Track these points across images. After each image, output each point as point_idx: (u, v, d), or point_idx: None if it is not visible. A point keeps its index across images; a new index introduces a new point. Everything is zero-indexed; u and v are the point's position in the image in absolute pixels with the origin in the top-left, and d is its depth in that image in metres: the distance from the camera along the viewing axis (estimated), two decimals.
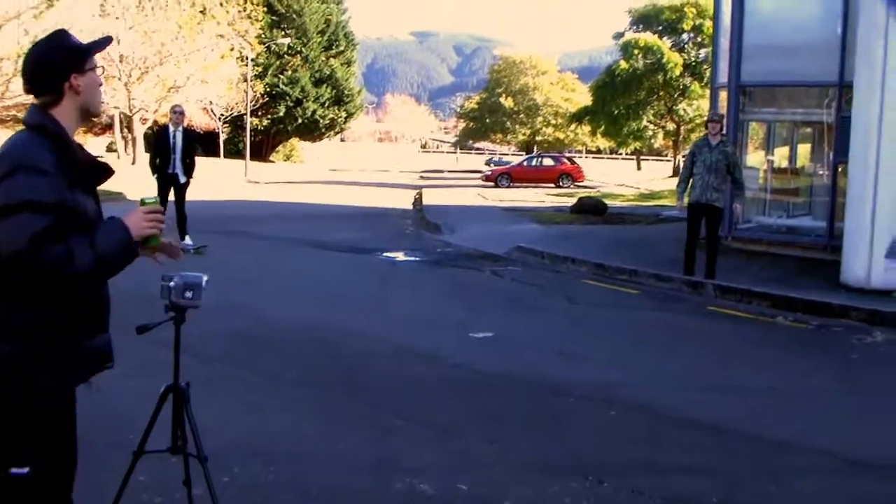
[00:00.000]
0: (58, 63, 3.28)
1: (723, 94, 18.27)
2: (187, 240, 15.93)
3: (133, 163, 44.81)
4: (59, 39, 3.37)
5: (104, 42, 3.52)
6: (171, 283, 3.97)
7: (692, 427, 6.91)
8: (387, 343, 9.43)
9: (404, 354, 9.00)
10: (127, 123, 49.62)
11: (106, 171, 3.50)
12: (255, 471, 5.62)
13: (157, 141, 16.28)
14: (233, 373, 8.06)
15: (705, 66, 50.72)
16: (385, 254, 17.13)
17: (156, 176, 15.94)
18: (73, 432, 3.43)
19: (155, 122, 47.70)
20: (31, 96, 3.34)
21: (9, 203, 3.02)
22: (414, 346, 9.31)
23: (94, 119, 3.47)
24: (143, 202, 3.41)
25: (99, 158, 3.57)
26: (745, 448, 6.49)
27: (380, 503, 5.35)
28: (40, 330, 3.17)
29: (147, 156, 17.04)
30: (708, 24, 47.72)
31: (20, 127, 3.38)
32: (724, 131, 13.84)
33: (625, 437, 6.65)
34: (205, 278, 4.02)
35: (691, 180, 13.46)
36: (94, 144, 71.29)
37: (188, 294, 3.97)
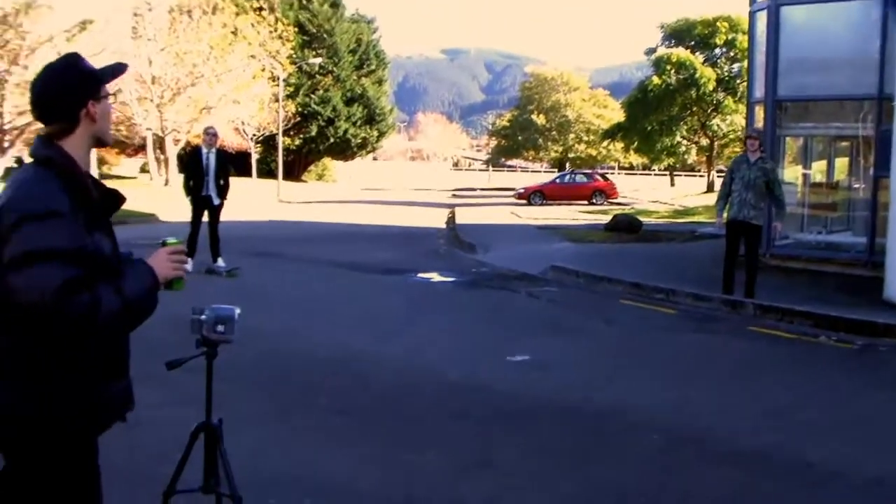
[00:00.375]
0: (76, 88, 3.08)
1: (759, 110, 18.07)
2: (220, 262, 15.88)
3: (166, 184, 45.06)
4: (75, 63, 3.16)
5: (119, 69, 3.32)
6: (203, 317, 3.80)
7: (737, 455, 6.69)
8: (421, 368, 9.28)
9: (439, 380, 8.82)
10: (159, 144, 49.84)
11: (118, 200, 3.31)
12: (289, 502, 5.51)
13: (190, 163, 16.23)
14: (264, 401, 7.93)
15: (739, 81, 50.45)
16: (419, 274, 17.00)
17: (189, 198, 15.87)
18: (96, 480, 3.28)
19: (188, 142, 47.93)
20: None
21: (24, 253, 2.82)
22: (449, 372, 9.13)
23: (106, 145, 3.32)
24: (165, 243, 3.25)
25: (110, 187, 3.42)
26: (794, 477, 6.27)
27: None
28: (61, 377, 3.01)
29: (181, 177, 16.95)
30: (741, 38, 47.53)
31: None
32: (762, 148, 13.61)
33: (668, 466, 6.44)
34: (237, 311, 3.85)
35: (730, 197, 13.24)
36: (127, 165, 71.90)
37: (220, 328, 3.81)
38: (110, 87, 3.26)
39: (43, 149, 3.06)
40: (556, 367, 9.60)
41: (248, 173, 61.46)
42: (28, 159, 3.14)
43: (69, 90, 3.08)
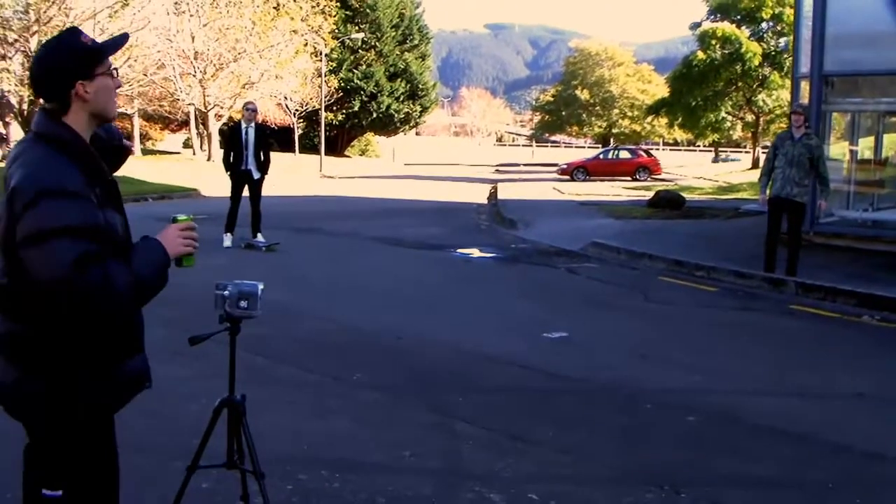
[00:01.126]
0: (63, 69, 3.05)
1: (804, 85, 17.79)
2: (259, 237, 15.92)
3: (208, 159, 45.35)
4: (68, 40, 3.12)
5: (118, 42, 3.29)
6: (226, 293, 3.77)
7: (775, 435, 6.59)
8: (458, 344, 9.23)
9: (475, 356, 8.77)
10: (202, 120, 50.10)
11: (124, 153, 3.38)
12: (320, 478, 5.48)
13: (230, 138, 16.25)
14: (300, 375, 7.93)
15: (785, 56, 49.70)
16: (459, 250, 16.97)
17: (229, 173, 15.91)
18: (111, 456, 3.30)
19: (230, 118, 48.17)
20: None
21: (41, 230, 2.82)
22: (486, 348, 9.08)
23: (110, 120, 3.31)
24: (175, 220, 3.22)
25: (125, 142, 3.42)
26: (833, 458, 6.18)
27: None
28: (75, 355, 3.03)
29: (222, 152, 17.00)
30: (788, 12, 46.74)
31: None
32: (807, 123, 13.39)
33: (704, 445, 6.36)
34: (260, 287, 3.80)
35: (773, 174, 13.05)
36: (170, 141, 72.38)
37: (243, 304, 3.77)
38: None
39: (50, 125, 3.05)
40: (593, 343, 9.52)
41: (290, 148, 61.73)
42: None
43: (58, 70, 3.06)
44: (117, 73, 3.20)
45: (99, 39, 3.31)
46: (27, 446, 3.19)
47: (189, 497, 4.25)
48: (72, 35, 3.15)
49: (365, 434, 6.40)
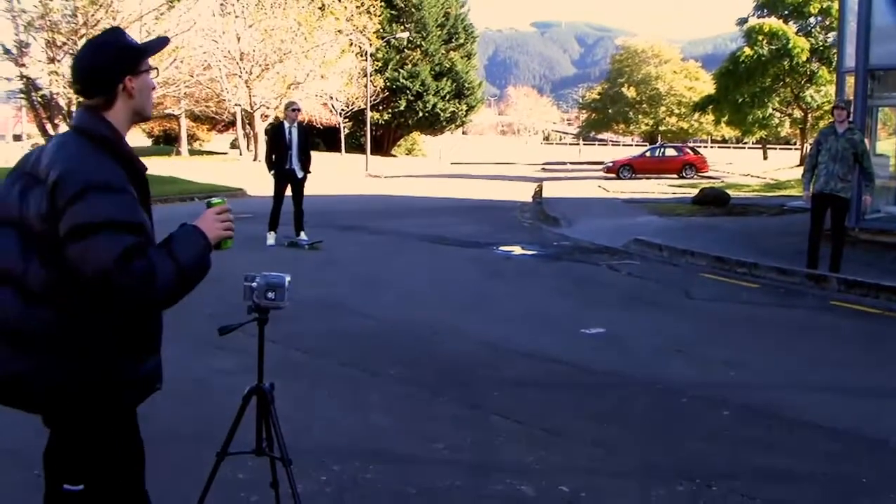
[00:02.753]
0: (112, 63, 3.12)
1: (850, 79, 17.61)
2: (302, 235, 16.05)
3: (255, 159, 45.68)
4: (114, 38, 3.21)
5: (160, 43, 3.38)
6: (254, 284, 3.86)
7: (811, 430, 6.58)
8: (494, 340, 9.27)
9: (511, 351, 8.82)
10: (248, 120, 50.47)
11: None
12: (353, 469, 5.55)
13: (273, 138, 16.39)
14: (337, 369, 8.02)
15: (833, 51, 49.15)
16: (501, 248, 17.00)
17: (272, 172, 16.05)
18: (134, 450, 3.34)
19: (276, 118, 48.49)
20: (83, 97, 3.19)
21: (89, 223, 2.87)
22: (522, 343, 9.11)
23: (146, 119, 3.42)
24: (210, 204, 3.27)
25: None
26: (868, 454, 6.14)
27: None
28: (100, 350, 3.06)
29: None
30: (836, 6, 46.25)
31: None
32: (850, 118, 13.26)
33: (738, 439, 6.35)
34: (287, 278, 3.88)
35: (816, 170, 12.95)
36: (217, 141, 72.93)
37: (271, 295, 3.85)
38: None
39: (91, 122, 3.10)
40: (631, 339, 9.51)
41: (336, 148, 61.99)
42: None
43: (106, 65, 3.12)
44: (158, 74, 3.28)
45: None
46: (47, 446, 3.24)
47: (224, 484, 4.34)
48: (117, 33, 3.25)
49: (399, 427, 6.47)
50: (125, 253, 2.85)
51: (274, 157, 16.01)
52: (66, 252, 2.91)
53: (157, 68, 3.32)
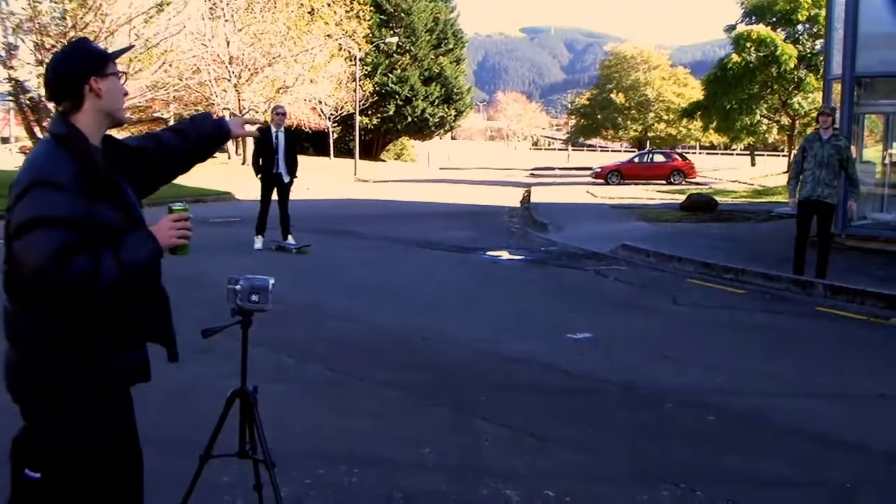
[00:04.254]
0: (78, 66, 3.25)
1: (836, 87, 17.69)
2: (290, 239, 16.06)
3: (243, 163, 45.66)
4: (79, 44, 3.37)
5: (124, 49, 3.59)
6: (238, 287, 3.89)
7: (795, 435, 6.61)
8: (481, 344, 9.29)
9: (498, 356, 8.84)
10: None
11: (141, 154, 3.50)
12: (339, 473, 5.56)
13: (260, 142, 16.41)
14: (325, 374, 8.04)
15: (821, 58, 49.34)
16: (489, 252, 17.02)
17: (259, 176, 16.06)
18: (116, 450, 3.36)
19: (265, 122, 48.42)
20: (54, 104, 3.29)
21: (25, 220, 2.99)
22: (509, 348, 9.14)
23: (122, 124, 3.55)
24: (170, 209, 3.32)
25: (132, 146, 3.51)
26: (852, 459, 6.18)
27: None
28: (60, 342, 3.14)
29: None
30: (824, 13, 46.38)
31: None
32: (835, 125, 13.33)
33: (723, 445, 6.38)
34: (271, 281, 3.92)
35: (802, 176, 13.00)
36: None
37: (254, 297, 3.89)
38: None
39: (55, 124, 3.24)
40: (618, 345, 9.54)
41: (325, 152, 61.98)
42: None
43: (72, 68, 3.25)
44: (126, 79, 3.38)
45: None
46: (16, 437, 3.30)
47: (209, 487, 4.35)
48: (84, 41, 3.41)
49: (385, 431, 6.48)
50: (61, 250, 2.95)
51: (261, 160, 16.02)
52: (13, 249, 3.05)
53: (125, 73, 3.41)
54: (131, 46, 3.69)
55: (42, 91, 34.82)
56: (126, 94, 3.44)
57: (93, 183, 3.13)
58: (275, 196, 16.05)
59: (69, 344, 3.14)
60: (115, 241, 3.13)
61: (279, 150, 15.88)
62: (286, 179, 16.04)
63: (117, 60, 3.40)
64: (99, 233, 3.09)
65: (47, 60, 21.28)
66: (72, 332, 3.14)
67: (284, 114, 16.31)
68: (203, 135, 3.70)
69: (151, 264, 3.19)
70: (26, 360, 3.16)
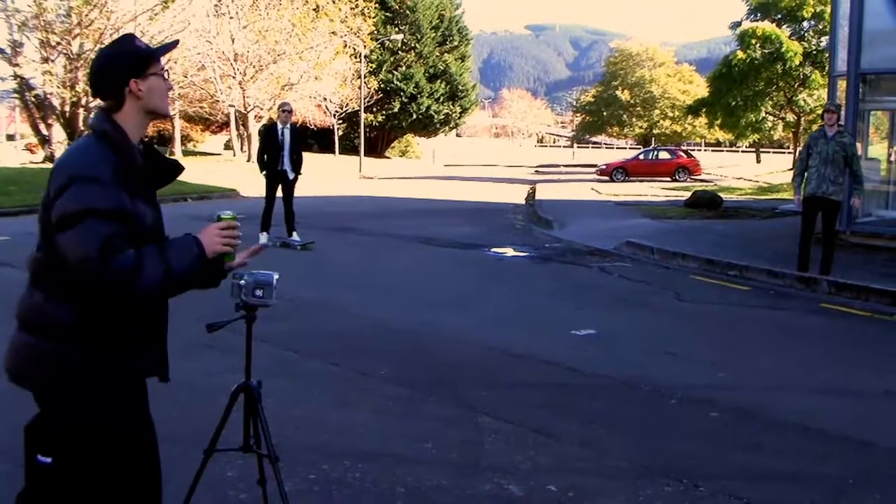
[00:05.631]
0: (118, 69, 3.29)
1: (841, 83, 17.68)
2: (294, 236, 16.07)
3: (248, 160, 45.64)
4: (123, 45, 3.39)
5: (170, 46, 3.57)
6: (242, 282, 3.90)
7: (798, 431, 6.61)
8: (485, 341, 9.30)
9: (502, 353, 8.85)
10: (242, 121, 50.47)
11: (176, 169, 3.52)
12: (342, 468, 5.58)
13: (266, 138, 16.39)
14: (329, 369, 8.04)
15: (826, 55, 49.22)
16: (493, 249, 17.04)
17: (264, 173, 16.07)
18: (132, 444, 3.39)
19: (270, 119, 48.45)
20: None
21: (70, 212, 3.01)
22: (512, 344, 9.14)
23: (164, 117, 3.63)
24: (219, 217, 3.33)
25: (170, 159, 3.54)
26: (854, 456, 6.18)
27: (467, 503, 5.22)
28: (84, 332, 3.17)
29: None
30: (829, 10, 46.30)
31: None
32: (841, 122, 13.32)
33: (726, 440, 6.39)
34: (275, 276, 3.93)
35: (807, 173, 13.00)
36: (211, 142, 72.82)
37: (258, 292, 3.90)
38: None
39: (99, 121, 3.28)
40: (621, 341, 9.55)
41: (330, 149, 62.01)
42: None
43: (113, 70, 3.29)
44: (168, 76, 3.44)
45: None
46: (28, 426, 3.31)
47: (214, 482, 4.36)
48: (128, 39, 3.43)
49: (388, 427, 6.49)
50: (110, 241, 2.98)
51: (266, 157, 16.03)
52: (55, 242, 3.07)
53: (167, 70, 3.47)
54: (176, 42, 3.72)
55: (47, 88, 35.00)
56: (171, 88, 3.49)
57: (131, 180, 3.19)
58: (280, 193, 16.06)
59: (92, 334, 3.17)
60: (150, 239, 3.18)
61: (285, 146, 15.88)
62: (291, 176, 16.05)
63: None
64: (138, 228, 3.15)
65: (52, 58, 21.38)
66: (97, 323, 3.17)
67: (291, 111, 16.29)
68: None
69: (195, 267, 3.18)
70: (46, 346, 3.17)
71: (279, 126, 15.95)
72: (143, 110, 3.32)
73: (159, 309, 3.41)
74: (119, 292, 3.04)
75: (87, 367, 3.18)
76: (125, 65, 3.28)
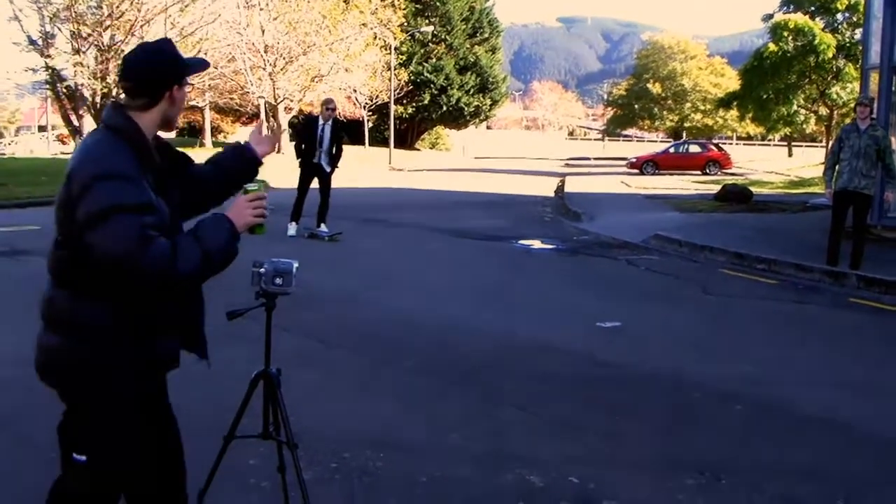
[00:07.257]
0: (167, 72, 3.31)
1: (874, 76, 17.50)
2: (323, 227, 16.10)
3: (278, 151, 45.72)
4: (169, 47, 3.41)
5: (203, 64, 3.55)
6: (262, 270, 3.94)
7: (821, 426, 6.57)
8: (511, 332, 9.30)
9: (527, 344, 8.84)
10: (272, 112, 50.59)
11: (185, 162, 3.56)
12: (364, 457, 5.59)
13: (305, 130, 16.41)
14: (354, 359, 8.08)
15: (860, 48, 48.81)
16: (521, 241, 17.03)
17: (299, 161, 16.10)
18: (153, 434, 3.44)
19: (300, 110, 48.58)
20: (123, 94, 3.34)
21: (99, 210, 3.00)
22: (538, 336, 9.14)
23: (171, 129, 3.67)
24: (245, 190, 3.36)
25: (178, 150, 3.56)
26: (878, 451, 6.14)
27: (488, 494, 5.22)
28: (109, 327, 3.19)
29: (292, 145, 17.24)
30: (863, 1, 45.85)
31: None
32: (873, 115, 13.18)
33: (748, 434, 6.37)
34: (295, 265, 3.95)
35: (838, 167, 12.87)
36: (241, 133, 73.10)
37: (278, 281, 3.92)
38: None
39: (112, 116, 3.27)
40: (646, 333, 9.52)
41: (360, 141, 62.08)
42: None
43: (161, 72, 3.31)
44: (192, 89, 3.49)
45: (169, 34, 3.60)
46: (62, 422, 3.38)
47: (235, 470, 4.38)
48: (170, 45, 3.44)
49: (412, 417, 6.51)
50: (142, 233, 2.99)
51: (303, 146, 16.07)
52: (85, 241, 3.05)
53: (192, 84, 3.51)
54: (208, 64, 3.75)
55: (79, 80, 35.15)
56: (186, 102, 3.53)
57: (153, 175, 3.22)
58: (315, 185, 16.11)
59: (117, 328, 3.19)
60: (193, 227, 3.22)
61: (324, 142, 15.92)
62: (328, 170, 16.08)
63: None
64: (162, 217, 3.17)
65: (83, 49, 21.47)
66: (123, 318, 3.19)
67: (334, 108, 16.25)
68: (230, 165, 3.81)
69: (230, 244, 3.22)
70: (72, 343, 3.19)
71: (321, 121, 15.97)
72: (164, 116, 3.34)
73: (193, 294, 3.47)
74: (160, 282, 3.07)
75: (112, 362, 3.21)
76: (173, 69, 3.32)
